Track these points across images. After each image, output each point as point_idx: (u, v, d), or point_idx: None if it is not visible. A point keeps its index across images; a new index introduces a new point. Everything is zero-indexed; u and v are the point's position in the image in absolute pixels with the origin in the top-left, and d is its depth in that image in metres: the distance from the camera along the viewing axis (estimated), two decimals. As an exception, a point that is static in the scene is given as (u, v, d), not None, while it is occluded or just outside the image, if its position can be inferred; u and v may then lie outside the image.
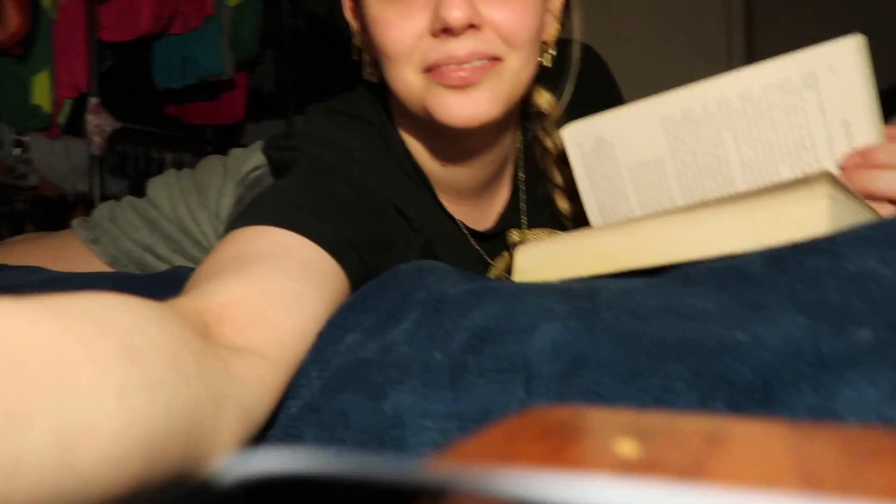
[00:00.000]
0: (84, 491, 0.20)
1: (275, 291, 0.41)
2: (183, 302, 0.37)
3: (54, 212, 2.16)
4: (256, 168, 0.92)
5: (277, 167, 0.75)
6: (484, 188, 0.75)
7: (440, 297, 0.43)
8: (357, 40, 0.72)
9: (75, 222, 0.99)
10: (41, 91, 2.09)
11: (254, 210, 0.53)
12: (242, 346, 0.36)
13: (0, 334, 0.19)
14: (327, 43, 3.02)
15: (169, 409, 0.25)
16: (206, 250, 0.94)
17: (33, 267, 0.75)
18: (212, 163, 1.00)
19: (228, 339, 0.35)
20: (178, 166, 1.20)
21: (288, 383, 0.40)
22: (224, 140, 2.97)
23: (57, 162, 2.10)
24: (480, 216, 0.77)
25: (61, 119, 2.18)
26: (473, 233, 0.75)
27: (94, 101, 2.03)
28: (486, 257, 0.77)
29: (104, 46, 2.20)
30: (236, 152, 1.00)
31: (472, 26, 0.59)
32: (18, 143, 2.04)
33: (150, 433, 0.23)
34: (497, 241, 0.78)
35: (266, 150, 0.82)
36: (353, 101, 0.73)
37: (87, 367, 0.21)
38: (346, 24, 0.73)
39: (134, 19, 2.20)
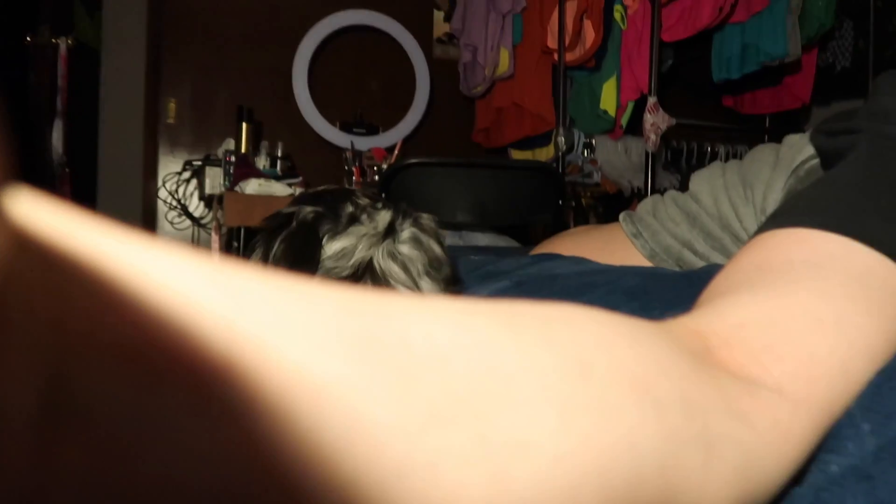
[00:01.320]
0: None
1: (807, 311, 0.31)
2: (681, 321, 0.31)
3: (613, 206, 2.37)
4: (813, 156, 0.78)
5: (829, 158, 0.60)
6: None
7: None
8: None
9: (621, 216, 1.03)
10: (608, 97, 2.33)
11: (789, 208, 0.42)
12: (756, 376, 0.28)
13: (426, 330, 0.17)
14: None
15: (632, 442, 0.20)
16: (749, 249, 0.86)
17: (577, 258, 0.80)
18: (762, 153, 0.90)
19: (738, 366, 0.28)
20: (733, 158, 1.13)
21: (820, 433, 0.30)
22: (784, 128, 2.75)
23: (617, 160, 2.30)
24: None
25: (624, 121, 2.38)
26: None
27: (652, 100, 2.13)
28: None
29: (665, 47, 2.29)
30: (791, 139, 0.87)
31: None
32: (587, 146, 2.33)
33: (605, 465, 0.19)
34: None
35: (814, 139, 0.67)
36: None
37: (519, 378, 0.18)
38: None
39: (695, 15, 2.22)
